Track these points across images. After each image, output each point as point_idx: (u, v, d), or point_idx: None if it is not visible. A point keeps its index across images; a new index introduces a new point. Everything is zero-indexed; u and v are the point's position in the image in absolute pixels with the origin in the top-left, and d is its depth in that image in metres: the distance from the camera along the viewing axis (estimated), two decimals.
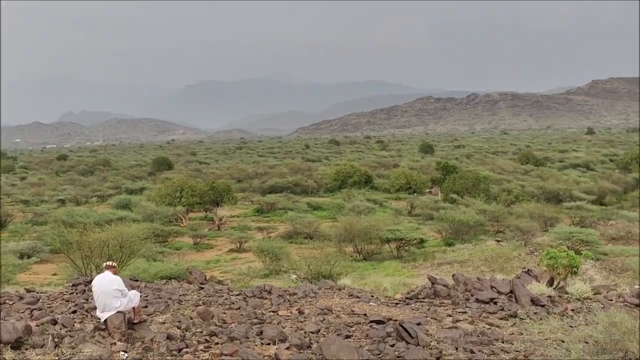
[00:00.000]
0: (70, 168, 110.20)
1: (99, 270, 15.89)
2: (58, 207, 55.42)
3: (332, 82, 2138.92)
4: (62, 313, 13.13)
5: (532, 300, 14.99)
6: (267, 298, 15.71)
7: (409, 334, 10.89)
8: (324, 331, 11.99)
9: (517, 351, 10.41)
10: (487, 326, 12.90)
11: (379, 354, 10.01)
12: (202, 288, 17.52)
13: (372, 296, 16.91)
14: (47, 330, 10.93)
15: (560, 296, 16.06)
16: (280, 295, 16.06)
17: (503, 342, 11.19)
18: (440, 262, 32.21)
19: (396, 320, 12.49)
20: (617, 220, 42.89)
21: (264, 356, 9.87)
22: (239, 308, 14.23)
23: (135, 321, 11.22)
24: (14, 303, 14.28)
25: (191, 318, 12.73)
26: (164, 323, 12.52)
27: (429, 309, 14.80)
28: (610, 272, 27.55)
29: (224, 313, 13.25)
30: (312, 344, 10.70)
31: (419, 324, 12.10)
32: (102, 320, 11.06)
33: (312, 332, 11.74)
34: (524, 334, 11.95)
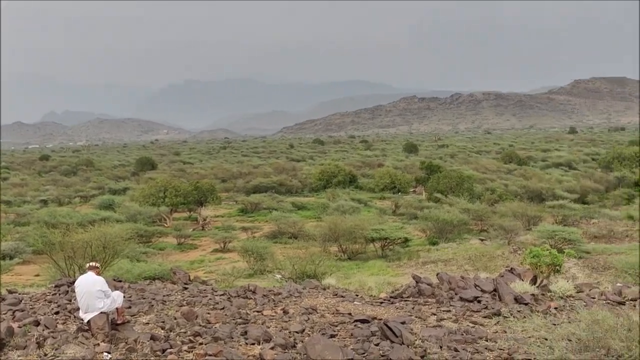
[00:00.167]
0: (52, 168, 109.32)
1: (82, 271, 15.78)
2: (40, 207, 54.96)
3: (316, 81, 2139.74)
4: (44, 314, 13.01)
5: (515, 299, 15.08)
6: (251, 298, 15.67)
7: (394, 332, 10.91)
8: (309, 331, 11.98)
9: (501, 349, 10.47)
10: (471, 324, 12.96)
11: (364, 353, 10.02)
12: (186, 288, 17.45)
13: (357, 295, 16.93)
14: (29, 332, 10.85)
15: (543, 294, 16.18)
16: (264, 295, 16.03)
17: (487, 341, 11.25)
18: (425, 261, 32.31)
19: (381, 319, 12.50)
20: (599, 219, 43.25)
21: (248, 356, 9.84)
22: (223, 308, 14.19)
23: (118, 322, 11.15)
24: None
25: (175, 318, 12.67)
26: (147, 324, 12.44)
27: (413, 308, 14.84)
28: (593, 270, 27.77)
29: (208, 313, 13.20)
30: (296, 343, 10.68)
31: (403, 322, 12.13)
32: (85, 321, 10.98)
33: (296, 332, 11.73)
34: (508, 332, 12.02)
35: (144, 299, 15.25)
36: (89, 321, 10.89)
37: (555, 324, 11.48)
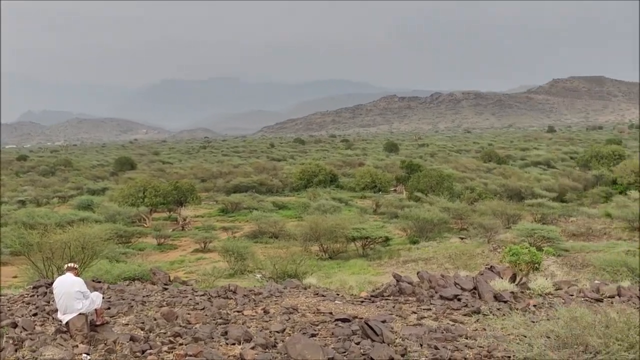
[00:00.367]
0: (30, 168, 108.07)
1: (61, 272, 15.60)
2: (18, 208, 54.32)
3: (297, 81, 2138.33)
4: (22, 316, 12.87)
5: (495, 297, 15.18)
6: (232, 298, 15.61)
7: (374, 331, 10.93)
8: (290, 330, 11.96)
9: (481, 347, 10.53)
10: (451, 322, 13.03)
11: (345, 352, 10.02)
12: (166, 289, 17.34)
13: (338, 295, 16.93)
14: (7, 334, 10.71)
15: (522, 292, 16.30)
16: (245, 295, 15.98)
17: (467, 338, 11.31)
18: (405, 259, 32.42)
19: (361, 318, 12.52)
20: (577, 217, 43.69)
21: (228, 356, 9.81)
22: (203, 308, 14.12)
23: (97, 323, 11.06)
24: None
25: (155, 319, 12.59)
26: (127, 324, 12.36)
27: (394, 307, 14.88)
28: (571, 268, 28.03)
29: (188, 314, 13.13)
30: (277, 343, 10.66)
31: (384, 321, 12.16)
32: (64, 322, 10.88)
33: (277, 332, 11.71)
34: (487, 330, 12.10)
35: (124, 299, 15.14)
36: (67, 322, 10.80)
37: (534, 322, 11.57)
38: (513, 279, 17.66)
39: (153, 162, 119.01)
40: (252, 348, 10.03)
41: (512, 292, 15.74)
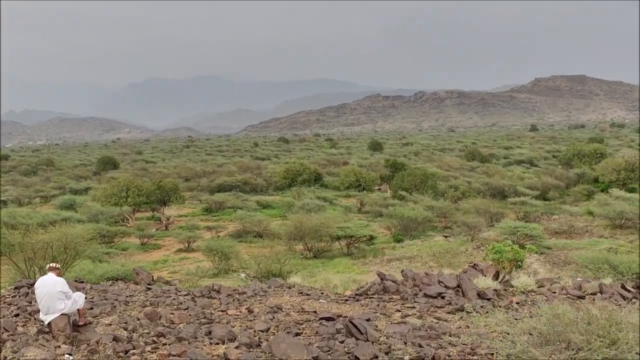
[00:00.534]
0: (12, 168, 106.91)
1: (43, 272, 15.51)
2: None
3: (281, 80, 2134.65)
4: (4, 317, 12.75)
5: (478, 294, 15.26)
6: (216, 298, 15.57)
7: (359, 330, 10.95)
8: (274, 329, 11.95)
9: (464, 344, 10.57)
10: (435, 320, 13.08)
11: (329, 351, 10.02)
12: (149, 289, 17.26)
13: (322, 293, 16.94)
14: None
15: (505, 289, 16.41)
16: (229, 295, 15.95)
17: (450, 336, 11.35)
18: (390, 258, 32.51)
19: (346, 317, 12.53)
20: (560, 215, 44.05)
21: (212, 356, 9.77)
22: (187, 308, 14.07)
23: (80, 323, 10.98)
24: None
25: (138, 319, 12.52)
26: (110, 325, 12.29)
27: (378, 305, 14.91)
28: (554, 265, 28.26)
29: (172, 313, 13.07)
30: (261, 342, 10.64)
31: (368, 319, 12.17)
32: (46, 323, 10.81)
33: (261, 331, 11.69)
34: (471, 327, 12.15)
35: (107, 300, 15.06)
36: (49, 323, 10.73)
37: (517, 319, 11.63)
38: (496, 276, 17.78)
39: (136, 161, 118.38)
40: (236, 347, 10.00)
41: (495, 290, 15.84)
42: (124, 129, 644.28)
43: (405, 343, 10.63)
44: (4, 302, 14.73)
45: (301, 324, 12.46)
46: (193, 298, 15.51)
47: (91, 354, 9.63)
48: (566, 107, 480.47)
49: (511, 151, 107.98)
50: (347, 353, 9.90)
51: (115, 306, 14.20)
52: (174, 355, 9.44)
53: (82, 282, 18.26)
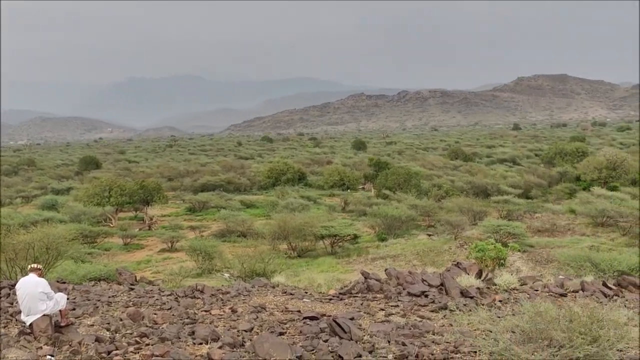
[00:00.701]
0: None
1: (24, 273, 15.36)
2: None
3: (264, 79, 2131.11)
4: None
5: (461, 292, 15.33)
6: (199, 298, 15.51)
7: (342, 329, 10.95)
8: (258, 329, 11.92)
9: (448, 342, 10.61)
10: (419, 319, 13.12)
11: (313, 350, 10.02)
12: (132, 289, 17.17)
13: (306, 293, 16.94)
14: None
15: (488, 287, 16.50)
16: (212, 295, 15.90)
17: (434, 334, 11.40)
18: (374, 257, 32.58)
19: (330, 316, 12.54)
20: (542, 213, 44.32)
21: (195, 356, 9.73)
22: (170, 308, 14.01)
23: (62, 324, 10.89)
24: None
25: (121, 320, 12.44)
26: (92, 325, 12.19)
27: (362, 304, 14.93)
28: (536, 263, 28.45)
29: (155, 314, 13.00)
30: (245, 342, 10.61)
31: (352, 318, 12.19)
32: (28, 324, 10.70)
33: (245, 331, 11.66)
34: (454, 325, 12.20)
35: (89, 300, 14.95)
36: (31, 324, 10.63)
37: (499, 317, 11.69)
38: (479, 274, 17.87)
39: (119, 161, 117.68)
40: (220, 347, 9.96)
41: (478, 288, 15.92)
42: (106, 129, 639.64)
43: (389, 342, 10.65)
44: None
45: (285, 324, 12.45)
46: (176, 298, 15.44)
47: (73, 355, 9.54)
48: (548, 106, 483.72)
49: (494, 150, 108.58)
50: (331, 352, 9.90)
51: (97, 307, 14.10)
52: (156, 356, 9.38)
53: (64, 282, 18.12)
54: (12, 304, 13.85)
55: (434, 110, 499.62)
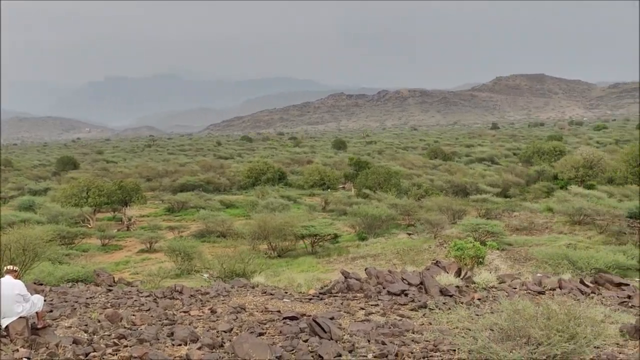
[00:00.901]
0: None
1: (0, 275, 15.17)
2: None
3: (243, 78, 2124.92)
4: None
5: (441, 291, 15.40)
6: (178, 298, 15.42)
7: (322, 328, 10.94)
8: (237, 330, 11.88)
9: (427, 341, 10.66)
10: (398, 317, 13.16)
11: (292, 350, 10.00)
12: (110, 290, 17.02)
13: (286, 293, 16.91)
14: None
15: (467, 286, 16.59)
16: (192, 295, 15.81)
17: (413, 333, 11.45)
18: (354, 256, 32.62)
19: (310, 316, 12.52)
20: (520, 212, 44.64)
21: (174, 357, 9.68)
22: (149, 309, 13.91)
23: (39, 326, 10.77)
24: None
25: (99, 321, 12.33)
26: (70, 327, 12.06)
27: (342, 303, 14.93)
28: (515, 262, 28.66)
29: (134, 315, 12.91)
30: (224, 343, 10.57)
31: (332, 318, 12.18)
32: (4, 326, 10.56)
33: (224, 331, 11.61)
34: (434, 324, 12.26)
35: (66, 302, 14.80)
36: (7, 326, 10.49)
37: (478, 315, 11.77)
38: (458, 273, 17.97)
39: (96, 161, 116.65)
40: (199, 348, 9.92)
41: (458, 287, 16.00)
42: (84, 129, 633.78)
43: (369, 341, 10.67)
44: None
45: (265, 324, 12.42)
46: (155, 299, 15.34)
47: (50, 357, 9.44)
48: (526, 106, 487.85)
49: (473, 149, 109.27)
50: (311, 352, 9.89)
51: (75, 308, 13.95)
52: (135, 357, 9.31)
53: (42, 284, 17.93)
54: None
55: (414, 109, 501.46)
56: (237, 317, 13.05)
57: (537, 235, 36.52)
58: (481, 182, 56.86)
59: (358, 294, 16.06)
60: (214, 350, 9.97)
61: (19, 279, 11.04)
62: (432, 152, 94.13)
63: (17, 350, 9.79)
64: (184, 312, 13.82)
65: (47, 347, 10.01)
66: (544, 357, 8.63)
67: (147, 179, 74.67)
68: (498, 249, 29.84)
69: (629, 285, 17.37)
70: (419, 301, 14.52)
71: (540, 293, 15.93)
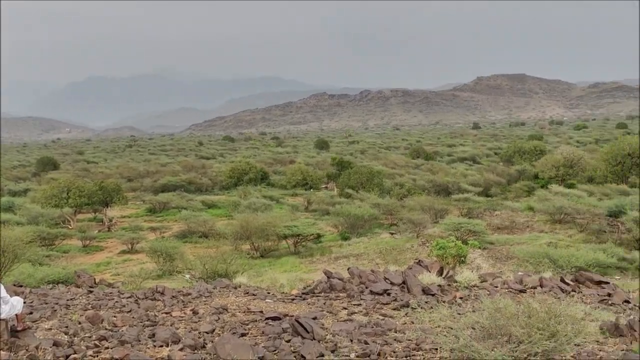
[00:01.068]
0: None
1: None
2: None
3: (226, 78, 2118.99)
4: None
5: (423, 290, 15.45)
6: (159, 299, 15.33)
7: (305, 328, 10.94)
8: (219, 330, 11.84)
9: (409, 340, 10.69)
10: (381, 317, 13.18)
11: (275, 351, 9.99)
12: (91, 292, 16.89)
13: (269, 293, 16.88)
14: None
15: (449, 285, 16.66)
16: (173, 296, 15.73)
17: (396, 332, 11.48)
18: (337, 256, 32.63)
19: (292, 316, 12.51)
20: (501, 211, 44.91)
21: (156, 358, 9.62)
22: (130, 311, 13.82)
23: (18, 329, 10.64)
24: None
25: (79, 323, 12.23)
26: (50, 329, 11.95)
27: (324, 303, 14.93)
28: (497, 260, 28.84)
29: (115, 316, 12.81)
30: (206, 344, 10.53)
31: (314, 318, 12.18)
32: None
33: (206, 332, 11.57)
34: (416, 323, 12.30)
35: (47, 304, 14.66)
36: None
37: (460, 314, 11.81)
38: (440, 272, 18.04)
39: (77, 161, 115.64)
40: (181, 349, 9.88)
41: (440, 286, 16.07)
42: (64, 129, 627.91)
43: (352, 340, 10.68)
44: None
45: (247, 325, 12.39)
46: (136, 300, 15.24)
47: None
48: (507, 105, 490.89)
49: (454, 149, 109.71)
50: (294, 352, 9.88)
51: (55, 310, 13.84)
52: (116, 359, 9.25)
53: (21, 286, 17.76)
54: None
55: (396, 109, 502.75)
56: (219, 318, 13.00)
57: (518, 234, 36.76)
58: (463, 181, 57.09)
59: (341, 294, 16.07)
60: (196, 351, 9.93)
61: None
62: (415, 152, 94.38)
63: None
64: (166, 313, 13.74)
65: (27, 350, 9.91)
66: (525, 355, 8.69)
67: (128, 179, 74.15)
68: (480, 248, 29.98)
69: (609, 283, 17.55)
70: (402, 300, 14.55)
71: (521, 291, 16.03)
